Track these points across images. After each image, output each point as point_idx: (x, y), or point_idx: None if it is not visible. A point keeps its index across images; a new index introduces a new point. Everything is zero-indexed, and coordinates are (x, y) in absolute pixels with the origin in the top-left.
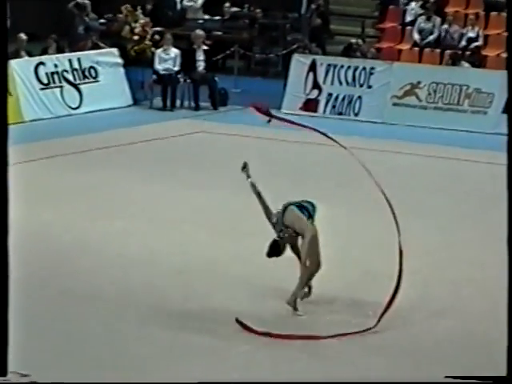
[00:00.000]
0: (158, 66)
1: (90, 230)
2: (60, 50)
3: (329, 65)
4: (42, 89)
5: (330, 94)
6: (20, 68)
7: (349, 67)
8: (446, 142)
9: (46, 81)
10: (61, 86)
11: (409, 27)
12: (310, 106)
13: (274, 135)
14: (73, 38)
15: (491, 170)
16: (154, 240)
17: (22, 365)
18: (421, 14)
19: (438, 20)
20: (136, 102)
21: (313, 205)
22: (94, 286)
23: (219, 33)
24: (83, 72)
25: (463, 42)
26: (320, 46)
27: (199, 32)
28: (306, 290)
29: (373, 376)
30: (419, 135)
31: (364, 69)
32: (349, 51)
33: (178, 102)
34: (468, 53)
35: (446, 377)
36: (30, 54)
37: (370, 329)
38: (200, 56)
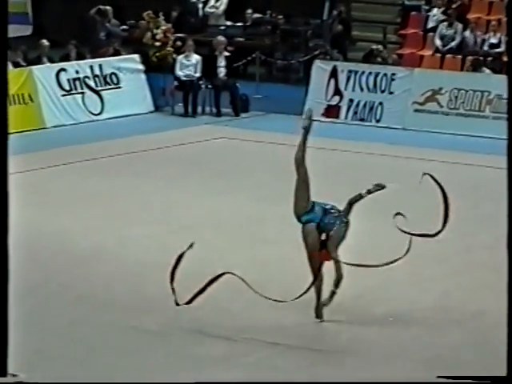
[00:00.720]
0: (180, 73)
1: (108, 236)
2: (81, 57)
3: (350, 71)
4: (64, 95)
5: (352, 100)
6: (42, 74)
7: (370, 73)
8: (467, 148)
9: (67, 87)
10: (82, 93)
11: (430, 33)
12: (331, 112)
13: (295, 141)
14: (94, 45)
15: None
16: (171, 246)
17: (34, 368)
18: (443, 21)
19: (459, 26)
20: (157, 108)
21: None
22: (110, 292)
23: (241, 39)
24: (105, 78)
25: (485, 48)
26: (341, 52)
27: (221, 38)
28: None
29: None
30: (440, 141)
31: (385, 75)
32: (369, 57)
33: (199, 109)
34: (489, 59)
35: (438, 377)
36: (52, 61)
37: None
38: (221, 62)
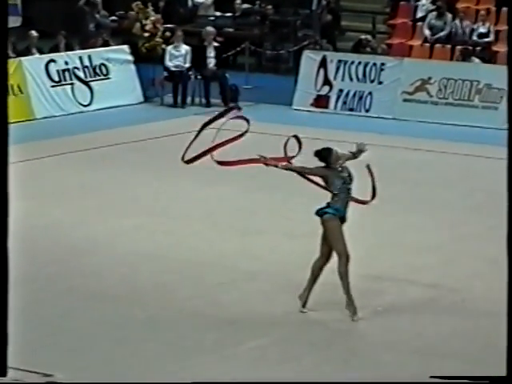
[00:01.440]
0: (169, 63)
1: (99, 227)
2: (70, 48)
3: (339, 61)
4: (53, 86)
5: (341, 90)
6: (31, 65)
7: (359, 63)
8: (456, 137)
9: (56, 78)
10: (72, 84)
11: (420, 23)
12: (320, 102)
13: (286, 131)
14: (83, 36)
15: (502, 165)
16: (163, 237)
17: (27, 362)
18: (432, 10)
19: (449, 17)
20: (147, 98)
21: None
22: (102, 283)
23: (230, 29)
24: (94, 69)
25: (474, 38)
26: (331, 42)
27: (210, 29)
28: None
29: (380, 374)
30: (430, 131)
31: (375, 65)
32: (358, 47)
33: (188, 99)
34: (479, 48)
35: (432, 377)
36: (41, 52)
37: None
38: (211, 53)
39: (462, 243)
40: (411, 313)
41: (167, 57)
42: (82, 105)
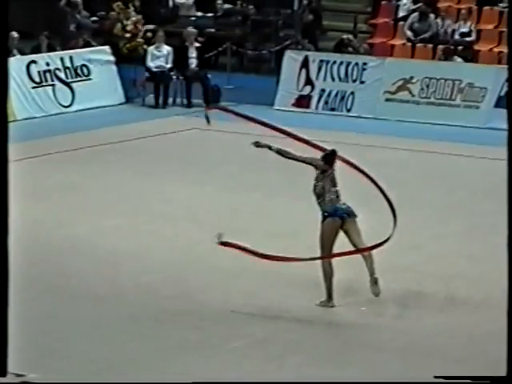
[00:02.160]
0: (151, 64)
1: (81, 227)
2: (51, 48)
3: (321, 61)
4: (34, 87)
5: (323, 90)
6: (12, 66)
7: (341, 63)
8: (438, 136)
9: (38, 79)
10: (53, 85)
11: (401, 23)
12: (302, 102)
13: (266, 132)
14: (64, 36)
15: (483, 164)
16: (145, 237)
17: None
18: (414, 10)
19: (431, 18)
20: (128, 99)
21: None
22: (84, 284)
23: (212, 30)
24: (75, 70)
25: (456, 37)
26: (312, 42)
27: (191, 29)
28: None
29: (368, 374)
30: (412, 130)
31: (356, 64)
32: (340, 47)
33: (170, 100)
34: (460, 48)
35: (436, 377)
36: (22, 52)
37: None
38: (192, 53)
39: (443, 242)
40: (394, 311)
41: (149, 57)
42: (63, 106)
